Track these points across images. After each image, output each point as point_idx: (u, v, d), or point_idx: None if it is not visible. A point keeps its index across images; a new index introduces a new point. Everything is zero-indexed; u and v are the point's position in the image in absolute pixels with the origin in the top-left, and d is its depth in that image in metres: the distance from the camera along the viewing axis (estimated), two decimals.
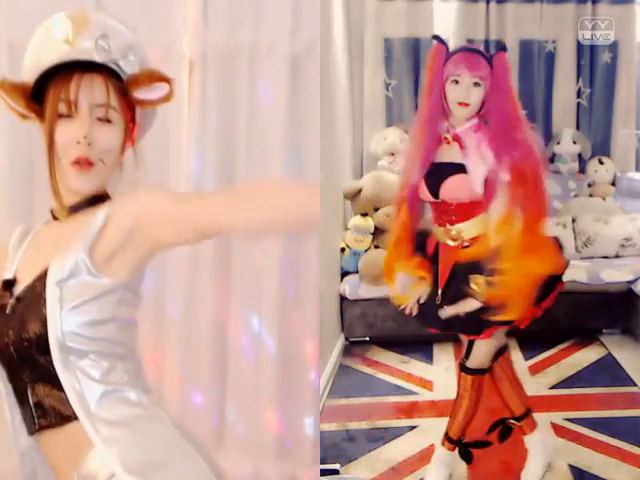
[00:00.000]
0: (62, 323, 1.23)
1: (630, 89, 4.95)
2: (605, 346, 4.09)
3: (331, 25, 3.96)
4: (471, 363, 2.33)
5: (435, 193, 2.15)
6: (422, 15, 4.86)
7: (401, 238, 2.27)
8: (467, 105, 2.08)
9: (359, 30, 4.85)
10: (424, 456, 2.68)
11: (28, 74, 1.32)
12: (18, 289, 1.30)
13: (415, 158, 2.19)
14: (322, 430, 2.86)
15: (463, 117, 2.12)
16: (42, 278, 1.27)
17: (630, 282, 4.07)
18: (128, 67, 1.32)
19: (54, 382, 1.24)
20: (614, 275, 4.12)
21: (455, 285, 2.15)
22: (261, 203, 1.23)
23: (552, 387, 3.55)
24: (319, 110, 2.56)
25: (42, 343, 1.23)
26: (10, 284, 1.32)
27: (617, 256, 4.50)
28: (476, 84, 2.08)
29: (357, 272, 4.20)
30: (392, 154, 4.60)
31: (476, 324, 2.16)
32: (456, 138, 2.13)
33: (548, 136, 4.94)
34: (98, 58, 1.28)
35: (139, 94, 1.33)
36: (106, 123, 1.30)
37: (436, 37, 2.19)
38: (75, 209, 1.33)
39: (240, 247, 2.62)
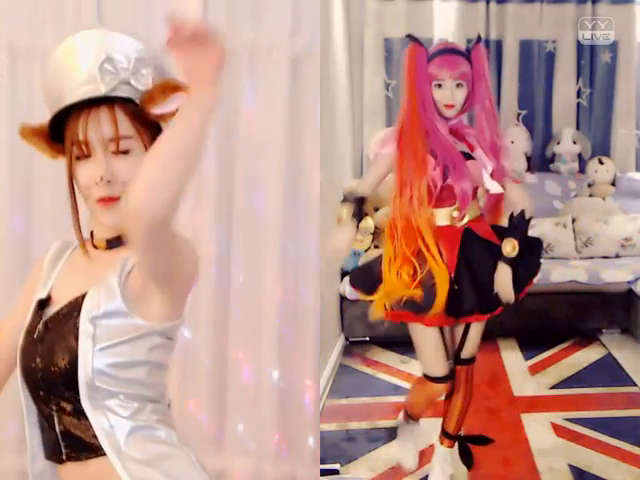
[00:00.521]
0: (93, 361, 1.20)
1: (630, 89, 4.95)
2: (605, 346, 4.09)
3: (331, 25, 3.96)
4: (465, 353, 2.35)
5: (445, 177, 2.19)
6: (422, 15, 4.86)
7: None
8: (452, 106, 2.19)
9: (359, 30, 4.85)
10: (424, 456, 2.69)
11: (48, 105, 1.30)
12: (48, 312, 1.28)
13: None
14: (322, 430, 2.86)
15: (451, 115, 2.22)
16: (73, 308, 1.25)
17: (630, 282, 4.07)
18: (141, 83, 1.25)
19: (81, 415, 1.22)
20: (614, 275, 4.12)
21: (475, 263, 2.19)
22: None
23: (552, 387, 3.55)
24: (319, 110, 2.56)
25: (70, 378, 1.21)
26: (43, 304, 1.30)
27: (617, 256, 4.50)
28: (459, 85, 2.17)
29: None
30: None
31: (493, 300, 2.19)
32: (453, 131, 2.23)
33: (548, 136, 4.95)
34: (104, 87, 1.22)
35: (156, 110, 1.26)
36: (124, 155, 1.24)
37: (410, 37, 2.24)
38: (112, 244, 1.30)
39: (240, 247, 2.62)
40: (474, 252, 2.21)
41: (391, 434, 2.77)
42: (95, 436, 1.21)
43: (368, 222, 4.24)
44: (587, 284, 4.08)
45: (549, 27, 4.92)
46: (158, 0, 2.62)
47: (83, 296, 1.25)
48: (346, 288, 4.10)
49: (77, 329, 1.22)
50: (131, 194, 1.04)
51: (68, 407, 1.23)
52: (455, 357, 2.36)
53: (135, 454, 1.21)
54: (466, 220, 2.23)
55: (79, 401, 1.21)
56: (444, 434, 2.49)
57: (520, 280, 2.18)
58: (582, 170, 4.95)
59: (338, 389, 3.54)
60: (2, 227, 2.56)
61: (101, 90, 1.22)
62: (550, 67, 4.97)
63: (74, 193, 1.29)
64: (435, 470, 2.50)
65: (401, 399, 3.39)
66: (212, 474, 2.72)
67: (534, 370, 3.76)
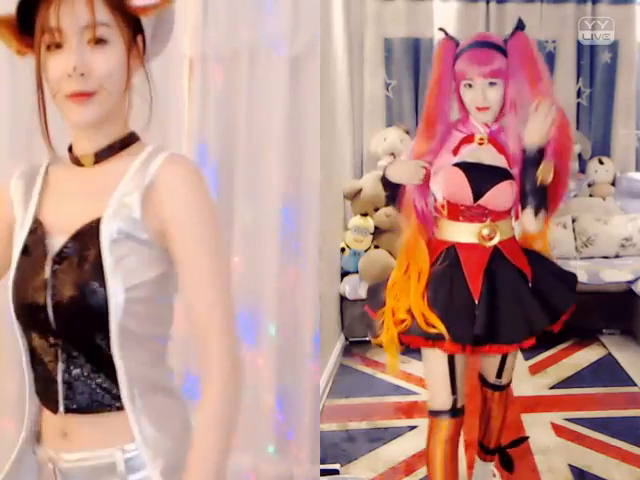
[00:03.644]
0: (123, 299, 1.09)
1: (630, 89, 4.95)
2: (605, 346, 4.09)
3: (331, 25, 3.96)
4: (504, 380, 2.21)
5: (477, 197, 1.93)
6: (422, 15, 4.86)
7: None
8: (486, 109, 1.91)
9: (359, 30, 4.86)
10: (424, 456, 2.68)
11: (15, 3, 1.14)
12: (52, 244, 1.14)
13: (429, 154, 1.95)
14: (322, 430, 2.86)
15: (486, 120, 1.95)
16: (88, 237, 1.11)
17: (630, 282, 4.07)
18: None
19: (96, 365, 1.11)
20: (614, 275, 4.12)
21: (500, 290, 1.94)
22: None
23: (552, 387, 3.55)
24: (319, 110, 2.56)
25: (100, 318, 1.08)
26: (35, 233, 1.16)
27: (617, 256, 4.51)
28: (492, 84, 1.89)
29: (357, 272, 4.20)
30: (392, 154, 4.60)
31: (525, 328, 1.95)
32: (492, 139, 1.95)
33: None
34: None
35: (136, 1, 1.12)
36: (101, 45, 1.11)
37: (442, 30, 2.01)
38: (102, 155, 1.17)
39: (240, 247, 2.62)
40: (500, 277, 1.95)
41: (391, 434, 2.78)
42: (105, 389, 1.11)
43: (368, 222, 4.24)
44: (587, 284, 4.08)
45: (549, 27, 4.92)
46: None
47: (95, 222, 1.12)
48: (346, 288, 4.10)
49: (100, 262, 1.09)
50: None
51: (81, 355, 1.11)
52: (492, 385, 2.23)
53: (149, 412, 1.13)
54: (497, 240, 1.96)
55: (100, 348, 1.10)
56: (484, 450, 2.38)
57: (556, 308, 2.01)
58: (582, 170, 4.95)
59: (338, 389, 3.54)
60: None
61: None
62: (550, 67, 4.94)
63: (42, 93, 1.15)
64: None
65: (401, 399, 3.40)
66: None
67: (534, 370, 3.76)
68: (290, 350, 2.63)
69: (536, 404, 3.33)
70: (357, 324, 4.11)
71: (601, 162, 4.90)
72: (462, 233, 1.97)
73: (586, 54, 4.94)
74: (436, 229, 2.02)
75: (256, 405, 2.64)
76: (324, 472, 2.63)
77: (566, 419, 3.12)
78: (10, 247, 1.19)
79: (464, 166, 1.92)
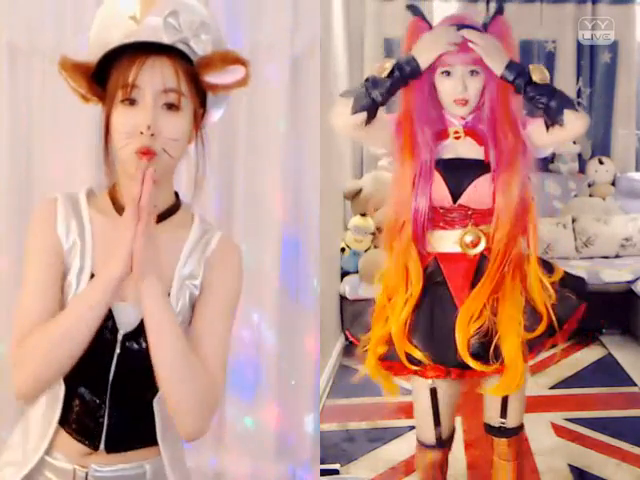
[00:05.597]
0: None
1: (630, 89, 4.96)
2: (605, 346, 4.09)
3: (331, 25, 3.96)
4: (511, 420, 1.83)
5: (457, 197, 1.71)
6: None
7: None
8: (465, 102, 1.68)
9: (359, 30, 4.85)
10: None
11: (92, 52, 1.20)
12: (120, 313, 1.20)
13: (416, 166, 1.70)
14: (322, 430, 2.86)
15: (463, 114, 1.72)
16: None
17: (630, 282, 4.07)
18: (199, 47, 1.19)
19: (140, 411, 1.23)
20: (614, 275, 4.12)
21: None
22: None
23: (552, 387, 3.55)
24: (319, 110, 2.56)
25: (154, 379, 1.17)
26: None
27: (617, 256, 4.51)
28: (473, 72, 1.67)
29: (357, 272, 4.20)
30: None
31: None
32: (469, 131, 1.73)
33: None
34: (166, 38, 1.15)
35: (211, 78, 1.20)
36: (173, 111, 1.17)
37: (411, 7, 1.79)
38: (163, 216, 1.24)
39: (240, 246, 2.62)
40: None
41: (391, 434, 2.77)
42: (144, 431, 1.23)
43: (368, 222, 4.23)
44: (587, 284, 4.08)
45: (549, 27, 4.93)
46: None
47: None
48: (346, 288, 4.10)
49: None
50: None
51: (128, 406, 1.23)
52: (497, 429, 1.85)
53: (167, 449, 1.26)
54: (482, 247, 1.72)
55: (146, 399, 1.22)
56: None
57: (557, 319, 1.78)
58: (582, 170, 4.96)
59: (338, 389, 3.53)
60: (1, 227, 2.56)
61: (163, 39, 1.16)
62: (550, 67, 4.96)
63: (109, 141, 1.19)
64: None
65: (401, 399, 3.39)
66: (212, 474, 2.73)
67: (534, 370, 3.75)
68: (290, 350, 2.63)
69: (536, 404, 3.32)
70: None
71: (601, 162, 4.90)
72: (444, 242, 1.74)
73: (586, 54, 4.94)
74: None
75: (256, 405, 2.64)
76: (324, 472, 2.62)
77: (566, 419, 3.12)
78: (62, 271, 1.22)
79: (439, 165, 1.70)
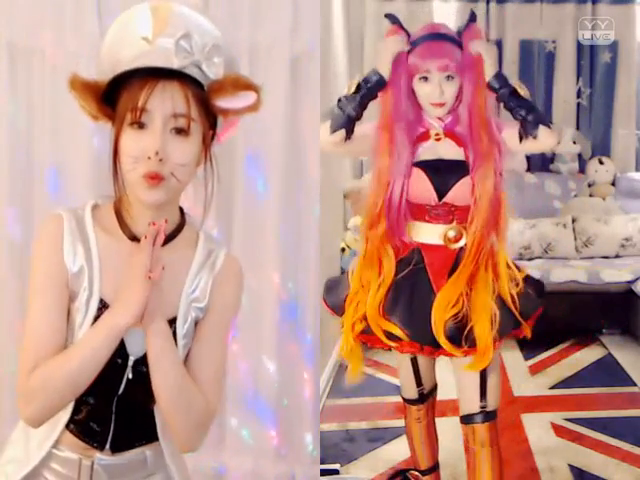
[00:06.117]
0: None
1: (630, 89, 4.95)
2: (605, 346, 4.09)
3: (331, 25, 3.96)
4: (491, 404, 1.92)
5: (442, 195, 1.86)
6: (422, 15, 4.85)
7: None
8: (442, 105, 1.83)
9: (359, 30, 4.85)
10: None
11: (102, 70, 1.20)
12: (129, 338, 1.21)
13: (393, 163, 1.84)
14: (322, 430, 2.86)
15: (440, 114, 1.87)
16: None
17: (630, 282, 4.07)
18: (211, 71, 1.18)
19: (144, 416, 1.28)
20: (614, 275, 4.12)
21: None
22: None
23: (552, 387, 3.55)
24: (319, 110, 2.56)
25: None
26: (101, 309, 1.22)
27: (617, 256, 4.51)
28: (449, 77, 1.81)
29: None
30: None
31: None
32: (449, 133, 1.87)
33: None
34: (178, 62, 1.15)
35: (222, 103, 1.20)
36: (183, 135, 1.16)
37: (389, 16, 1.87)
38: (169, 239, 1.24)
39: (240, 247, 2.62)
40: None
41: (391, 434, 2.77)
42: (148, 433, 1.29)
43: None
44: (587, 284, 4.08)
45: (549, 27, 4.92)
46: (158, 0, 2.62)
47: (169, 322, 1.22)
48: None
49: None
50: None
51: (135, 414, 1.28)
52: (478, 415, 1.92)
53: (168, 446, 1.32)
54: (463, 242, 1.87)
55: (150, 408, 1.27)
56: None
57: (521, 313, 1.91)
58: (582, 170, 4.96)
59: (338, 389, 3.53)
60: (1, 227, 2.56)
61: (174, 63, 1.15)
62: (550, 67, 4.97)
63: (117, 162, 1.18)
64: None
65: (401, 399, 3.39)
66: (211, 473, 2.73)
67: (534, 370, 3.76)
68: (290, 350, 2.63)
69: (536, 404, 3.33)
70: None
71: (601, 162, 4.90)
72: (428, 234, 1.90)
73: (586, 54, 4.94)
74: None
75: (256, 405, 2.64)
76: (324, 472, 2.63)
77: (566, 419, 3.12)
78: (68, 295, 1.22)
79: (423, 165, 1.85)
